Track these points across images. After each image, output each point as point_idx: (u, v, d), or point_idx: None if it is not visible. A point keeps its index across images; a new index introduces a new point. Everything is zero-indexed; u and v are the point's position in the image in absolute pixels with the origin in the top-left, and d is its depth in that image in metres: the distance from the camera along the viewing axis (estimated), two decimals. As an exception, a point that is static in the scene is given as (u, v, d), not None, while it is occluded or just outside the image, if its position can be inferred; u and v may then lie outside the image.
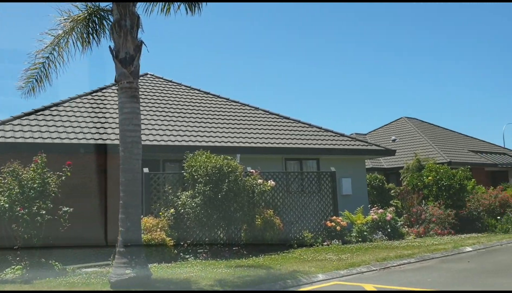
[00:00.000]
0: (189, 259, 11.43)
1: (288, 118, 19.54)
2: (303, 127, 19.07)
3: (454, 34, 73.69)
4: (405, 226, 16.64)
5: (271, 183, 13.62)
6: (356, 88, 79.73)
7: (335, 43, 72.29)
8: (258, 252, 12.20)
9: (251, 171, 13.55)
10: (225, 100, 19.75)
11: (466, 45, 72.20)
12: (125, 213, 8.56)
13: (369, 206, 18.30)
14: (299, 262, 10.86)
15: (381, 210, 16.03)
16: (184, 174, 12.51)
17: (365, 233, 14.79)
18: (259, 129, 17.71)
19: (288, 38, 74.66)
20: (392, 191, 23.55)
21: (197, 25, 76.35)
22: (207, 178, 11.93)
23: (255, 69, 78.41)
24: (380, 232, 15.18)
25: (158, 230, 11.38)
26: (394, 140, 31.44)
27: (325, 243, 14.08)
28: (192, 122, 16.52)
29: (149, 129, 14.96)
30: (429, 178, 18.34)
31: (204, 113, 17.69)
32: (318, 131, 18.98)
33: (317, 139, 18.12)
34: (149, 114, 16.11)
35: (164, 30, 72.68)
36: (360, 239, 14.57)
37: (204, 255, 11.82)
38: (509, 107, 76.06)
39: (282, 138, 17.38)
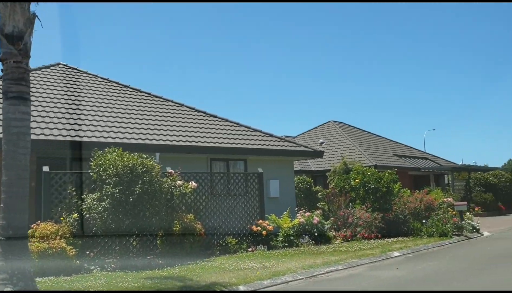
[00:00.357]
0: (94, 271, 10.01)
1: (215, 116, 18.49)
2: (231, 126, 18.10)
3: (384, 38, 76.52)
4: (332, 230, 16.16)
5: (193, 184, 12.51)
6: (285, 91, 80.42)
7: (265, 45, 72.43)
8: (176, 262, 11.01)
9: (170, 171, 12.35)
10: (146, 94, 18.30)
11: (392, 49, 75.17)
12: (7, 219, 7.10)
13: (296, 209, 17.69)
14: (219, 272, 9.82)
15: (308, 213, 15.44)
16: (91, 173, 11.03)
17: (292, 238, 14.12)
18: (183, 126, 16.48)
19: (219, 39, 73.77)
20: (320, 194, 23.22)
21: (130, 20, 73.36)
22: (117, 178, 10.55)
23: (185, 68, 76.71)
24: (307, 236, 14.55)
25: (58, 238, 9.91)
26: (322, 143, 31.41)
27: (250, 249, 13.24)
28: (106, 117, 14.91)
29: (54, 122, 13.23)
30: (356, 180, 18.07)
31: (121, 108, 16.13)
32: (247, 131, 18.10)
33: (245, 139, 17.23)
34: (56, 107, 14.31)
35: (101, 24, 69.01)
36: (286, 244, 13.89)
37: (112, 265, 10.42)
38: (429, 114, 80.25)
39: (208, 137, 16.28)
